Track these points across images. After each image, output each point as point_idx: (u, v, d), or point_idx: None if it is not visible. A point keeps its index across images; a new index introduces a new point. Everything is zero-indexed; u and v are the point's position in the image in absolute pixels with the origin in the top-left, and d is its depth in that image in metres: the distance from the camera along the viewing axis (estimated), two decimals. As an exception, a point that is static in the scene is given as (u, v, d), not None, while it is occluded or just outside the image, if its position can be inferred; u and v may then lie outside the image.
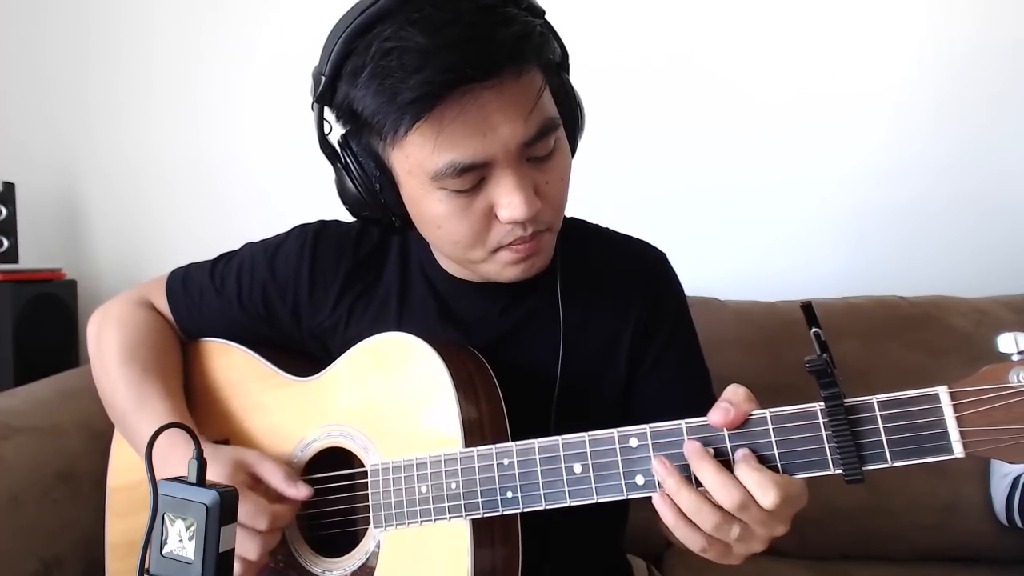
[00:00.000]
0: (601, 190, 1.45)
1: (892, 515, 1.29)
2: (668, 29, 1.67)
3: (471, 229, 0.72)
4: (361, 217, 0.79)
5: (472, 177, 0.68)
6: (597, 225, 0.94)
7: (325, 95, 0.71)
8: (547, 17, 0.72)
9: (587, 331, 0.85)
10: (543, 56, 0.69)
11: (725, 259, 1.67)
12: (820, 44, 1.62)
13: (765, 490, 0.58)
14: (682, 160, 1.67)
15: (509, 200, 0.69)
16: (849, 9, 1.61)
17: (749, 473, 0.59)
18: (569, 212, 0.81)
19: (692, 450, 0.62)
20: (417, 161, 0.69)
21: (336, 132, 0.75)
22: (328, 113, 0.73)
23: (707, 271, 1.60)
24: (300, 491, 0.79)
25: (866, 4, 1.60)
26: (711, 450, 0.62)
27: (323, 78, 0.70)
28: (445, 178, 0.68)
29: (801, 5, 1.62)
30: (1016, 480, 1.21)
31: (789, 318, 1.38)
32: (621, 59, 1.67)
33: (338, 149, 0.75)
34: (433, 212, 0.72)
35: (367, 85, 0.66)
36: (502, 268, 0.76)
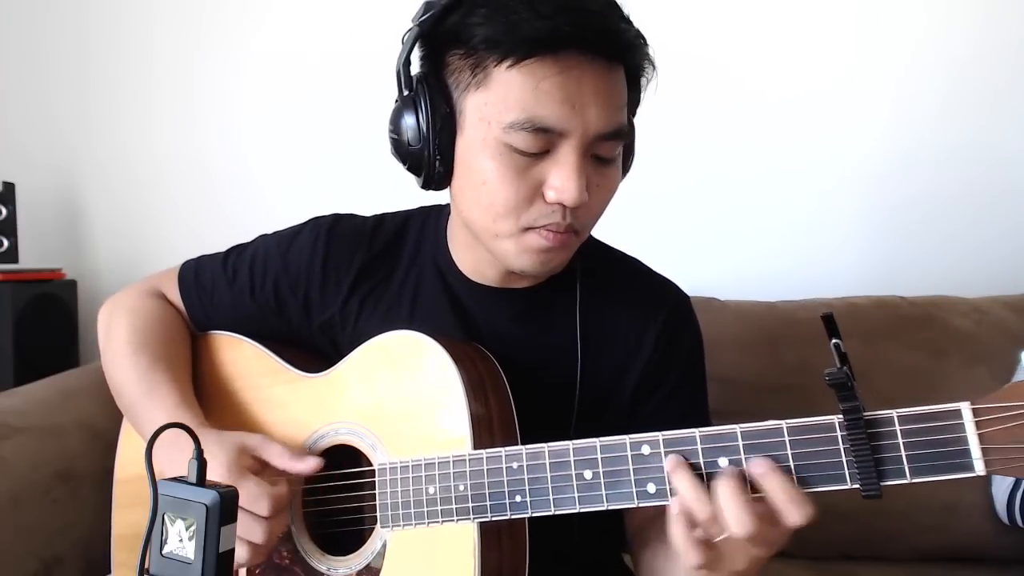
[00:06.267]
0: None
1: (893, 515, 1.29)
2: (667, 26, 1.67)
3: (515, 195, 0.70)
4: (402, 160, 0.75)
5: (541, 142, 0.68)
6: (624, 253, 0.92)
7: (429, 22, 0.70)
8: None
9: (600, 354, 0.84)
10: (641, 72, 0.74)
11: (725, 259, 1.66)
12: (819, 44, 1.62)
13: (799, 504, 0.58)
14: (682, 160, 1.67)
15: (563, 182, 0.68)
16: (849, 7, 1.61)
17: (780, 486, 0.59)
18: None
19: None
20: (498, 106, 0.68)
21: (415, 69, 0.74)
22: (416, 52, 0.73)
23: (707, 271, 1.60)
24: (308, 463, 0.77)
25: (866, 2, 1.60)
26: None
27: (439, 5, 0.69)
28: (516, 131, 0.67)
29: (801, 2, 1.62)
30: (1020, 480, 1.21)
31: (789, 318, 1.38)
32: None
33: (413, 80, 0.73)
34: (484, 166, 0.70)
35: (487, 16, 0.67)
36: (521, 252, 0.73)
